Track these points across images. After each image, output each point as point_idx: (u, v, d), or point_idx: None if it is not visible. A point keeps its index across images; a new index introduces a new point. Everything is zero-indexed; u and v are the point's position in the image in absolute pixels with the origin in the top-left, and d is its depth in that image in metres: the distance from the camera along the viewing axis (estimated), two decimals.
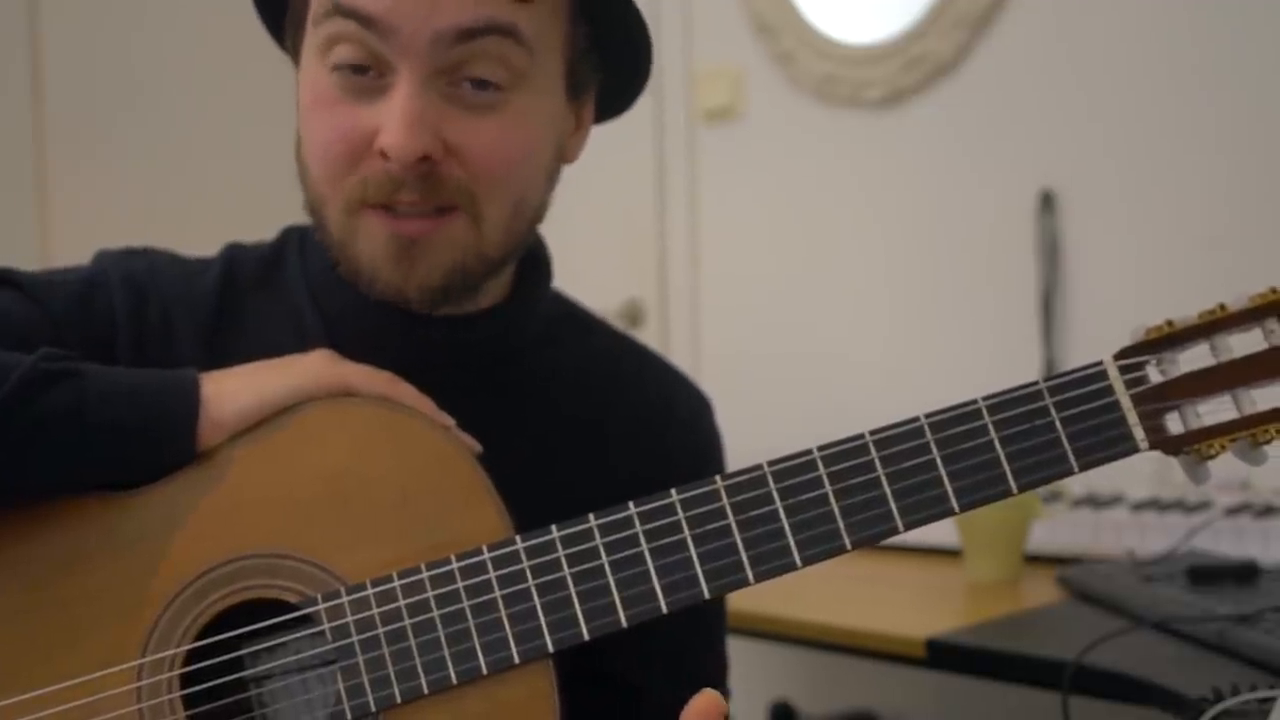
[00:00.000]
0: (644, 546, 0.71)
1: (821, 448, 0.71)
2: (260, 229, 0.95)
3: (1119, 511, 1.59)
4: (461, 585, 0.71)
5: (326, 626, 0.71)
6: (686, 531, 0.71)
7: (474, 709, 0.70)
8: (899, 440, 0.70)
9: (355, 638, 0.71)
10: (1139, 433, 0.69)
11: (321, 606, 0.72)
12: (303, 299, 0.88)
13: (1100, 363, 0.71)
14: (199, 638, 0.72)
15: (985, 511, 1.17)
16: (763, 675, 2.10)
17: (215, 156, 2.49)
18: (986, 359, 1.98)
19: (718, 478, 0.71)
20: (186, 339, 0.85)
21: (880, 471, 0.70)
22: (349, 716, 0.70)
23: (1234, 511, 1.49)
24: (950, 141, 2.04)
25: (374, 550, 0.73)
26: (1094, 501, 1.63)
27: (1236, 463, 0.72)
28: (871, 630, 1.34)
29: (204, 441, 0.75)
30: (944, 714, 1.97)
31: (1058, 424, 0.70)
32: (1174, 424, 0.70)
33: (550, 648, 0.70)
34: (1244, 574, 1.30)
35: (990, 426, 0.70)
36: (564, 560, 0.71)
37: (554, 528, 0.72)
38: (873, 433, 0.71)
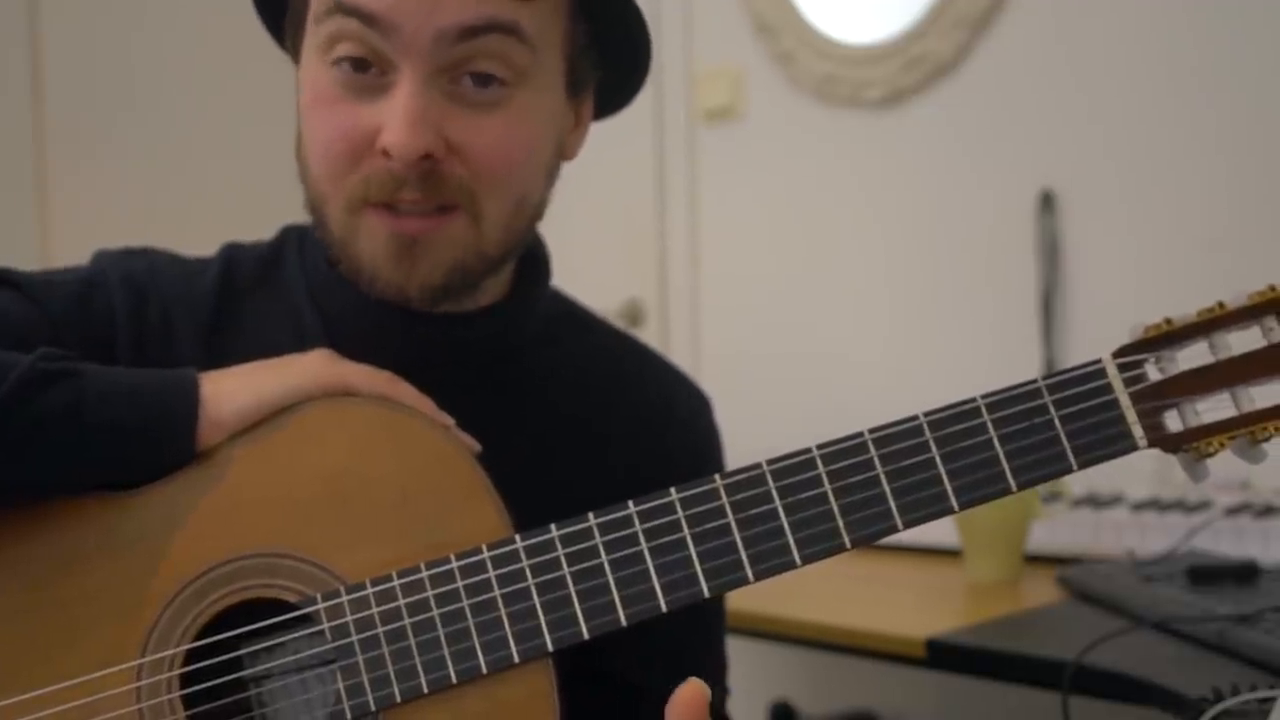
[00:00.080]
0: (643, 545, 0.71)
1: (820, 446, 0.71)
2: (260, 229, 0.95)
3: (1119, 511, 1.58)
4: (461, 585, 0.71)
5: (326, 626, 0.71)
6: (686, 530, 0.70)
7: (474, 708, 0.70)
8: (898, 439, 0.70)
9: (355, 637, 0.71)
10: (1138, 430, 0.69)
11: (321, 606, 0.71)
12: (302, 298, 0.88)
13: (1099, 361, 0.70)
14: (198, 637, 0.72)
15: (985, 511, 1.18)
16: (763, 675, 2.10)
17: (215, 156, 2.49)
18: (986, 359, 1.98)
19: (717, 476, 0.71)
20: (186, 339, 0.85)
21: (879, 470, 0.70)
22: (348, 716, 0.70)
23: (1234, 511, 1.49)
24: (950, 142, 2.04)
25: (373, 550, 0.72)
26: (1094, 501, 1.63)
27: (1236, 462, 0.72)
28: (871, 630, 1.34)
29: (203, 441, 0.75)
30: (944, 714, 1.97)
31: (1056, 422, 0.70)
32: (1173, 422, 0.70)
33: (550, 647, 0.70)
34: (1244, 574, 1.30)
35: (989, 425, 0.70)
36: (563, 559, 0.71)
37: (553, 527, 0.71)
38: (872, 431, 0.71)
